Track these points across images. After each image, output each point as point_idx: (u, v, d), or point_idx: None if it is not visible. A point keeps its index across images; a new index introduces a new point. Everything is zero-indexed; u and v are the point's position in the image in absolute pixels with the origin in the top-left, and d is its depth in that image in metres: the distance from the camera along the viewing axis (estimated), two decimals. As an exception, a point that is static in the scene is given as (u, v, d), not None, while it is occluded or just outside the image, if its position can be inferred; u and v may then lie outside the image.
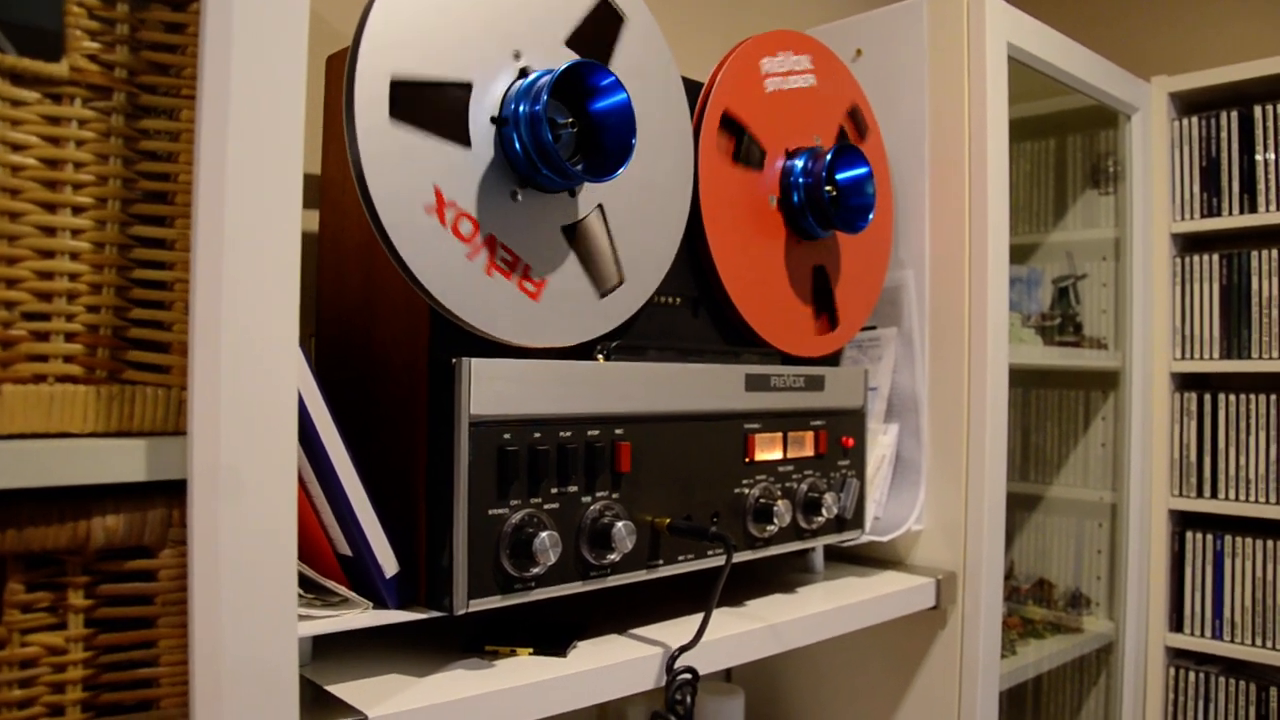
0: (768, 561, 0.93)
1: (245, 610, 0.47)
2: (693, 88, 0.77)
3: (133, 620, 0.49)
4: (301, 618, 0.58)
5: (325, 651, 0.64)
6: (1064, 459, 1.30)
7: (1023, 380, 1.35)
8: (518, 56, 0.64)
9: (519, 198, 0.64)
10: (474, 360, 0.60)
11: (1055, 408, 1.31)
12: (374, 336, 0.67)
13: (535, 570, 0.62)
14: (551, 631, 0.70)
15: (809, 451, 0.84)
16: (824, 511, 0.82)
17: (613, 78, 0.64)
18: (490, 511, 0.61)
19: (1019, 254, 1.33)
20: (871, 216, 0.84)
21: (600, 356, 0.69)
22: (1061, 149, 1.31)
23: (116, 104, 0.48)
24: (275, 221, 0.48)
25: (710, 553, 0.75)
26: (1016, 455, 1.34)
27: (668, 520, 0.71)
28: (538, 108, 0.61)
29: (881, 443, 0.96)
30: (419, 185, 0.59)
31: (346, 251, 0.70)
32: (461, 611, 0.60)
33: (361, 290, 0.68)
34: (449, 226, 0.60)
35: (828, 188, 0.84)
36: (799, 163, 0.82)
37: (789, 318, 0.84)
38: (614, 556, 0.66)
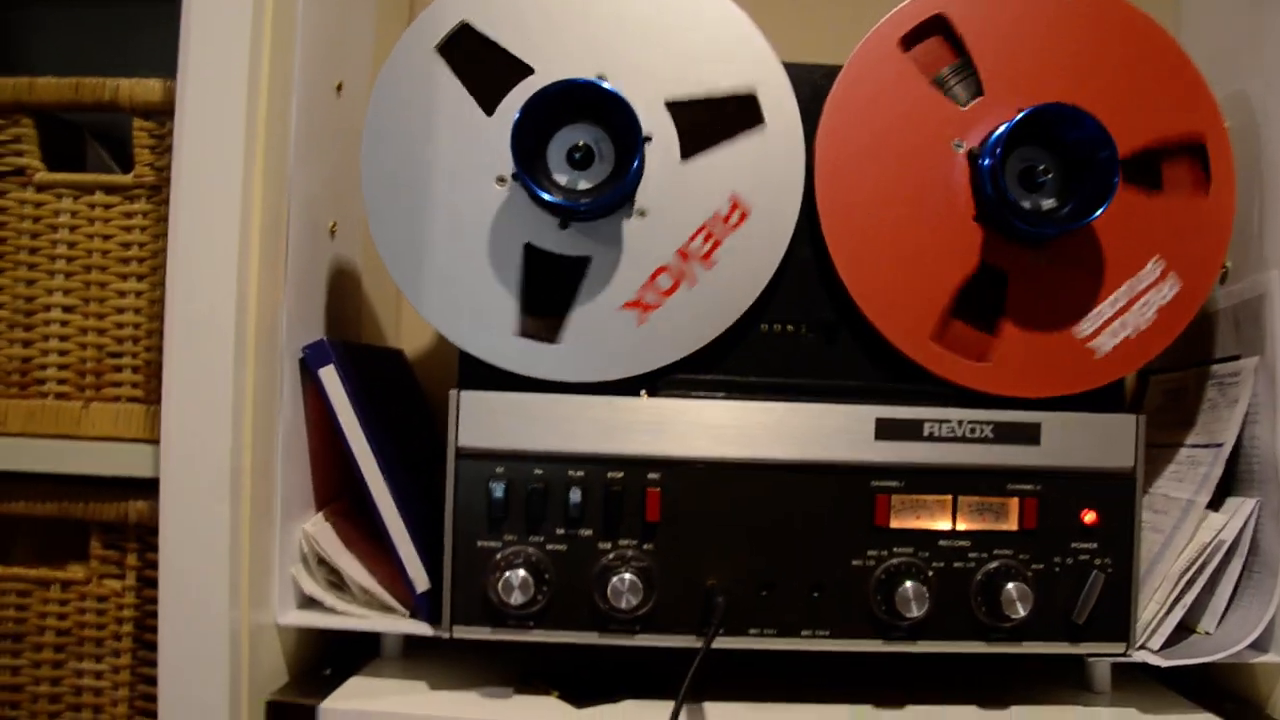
0: (1023, 662, 0.74)
1: (183, 595, 0.62)
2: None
3: (163, 583, 0.67)
4: (339, 613, 0.70)
5: (414, 652, 0.74)
6: None
7: None
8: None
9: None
10: (465, 392, 0.65)
11: None
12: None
13: (525, 608, 0.64)
14: (603, 682, 0.69)
15: (1008, 525, 0.66)
16: (1005, 607, 0.64)
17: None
18: (479, 543, 0.65)
19: None
20: (1097, 213, 0.62)
21: (644, 393, 0.67)
22: None
23: (165, 196, 0.67)
24: (208, 293, 0.62)
25: (804, 632, 0.65)
26: None
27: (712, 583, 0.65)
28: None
29: (1212, 524, 0.68)
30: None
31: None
32: (447, 635, 0.65)
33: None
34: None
35: (1044, 171, 0.66)
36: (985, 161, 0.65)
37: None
38: (630, 609, 0.64)
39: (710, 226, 0.66)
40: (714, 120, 0.66)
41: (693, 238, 0.66)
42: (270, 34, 0.65)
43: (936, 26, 0.67)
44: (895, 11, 0.67)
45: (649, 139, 0.65)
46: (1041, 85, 0.66)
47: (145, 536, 0.67)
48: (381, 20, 0.86)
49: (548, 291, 0.66)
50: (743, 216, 0.66)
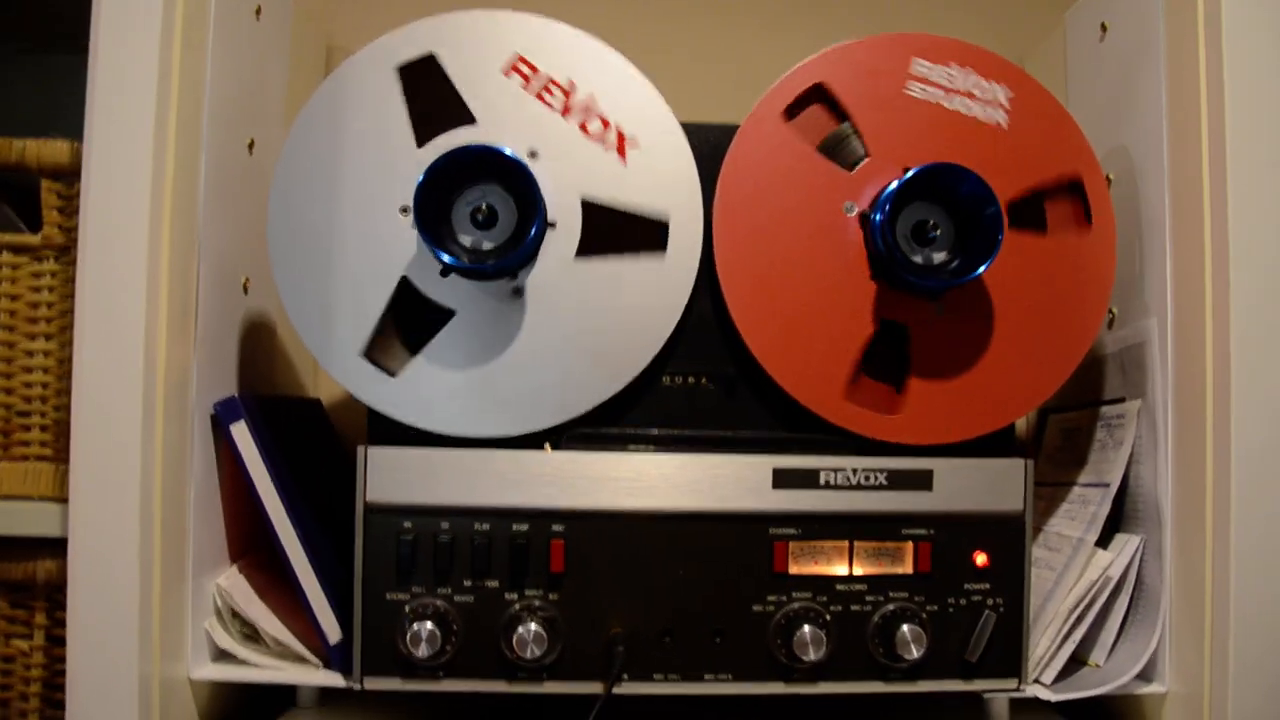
0: (926, 698, 0.76)
1: (93, 653, 0.63)
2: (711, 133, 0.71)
3: (74, 643, 0.68)
4: (252, 665, 0.71)
5: (330, 702, 0.76)
6: None
7: None
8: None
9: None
10: (372, 448, 0.67)
11: None
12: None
13: (434, 659, 0.66)
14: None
15: (903, 568, 0.69)
16: (901, 648, 0.67)
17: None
18: (388, 596, 0.67)
19: None
20: (983, 268, 0.65)
21: (548, 446, 0.69)
22: None
23: (74, 257, 0.68)
24: (115, 352, 0.63)
25: (708, 676, 0.68)
26: None
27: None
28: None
29: (1100, 562, 0.72)
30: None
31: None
32: (359, 687, 0.67)
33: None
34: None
35: (934, 227, 0.69)
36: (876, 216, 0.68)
37: (893, 397, 0.70)
38: (535, 659, 0.66)
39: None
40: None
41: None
42: (177, 94, 0.66)
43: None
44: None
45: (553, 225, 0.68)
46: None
47: (54, 595, 0.68)
48: (295, 79, 0.88)
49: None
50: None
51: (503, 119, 0.69)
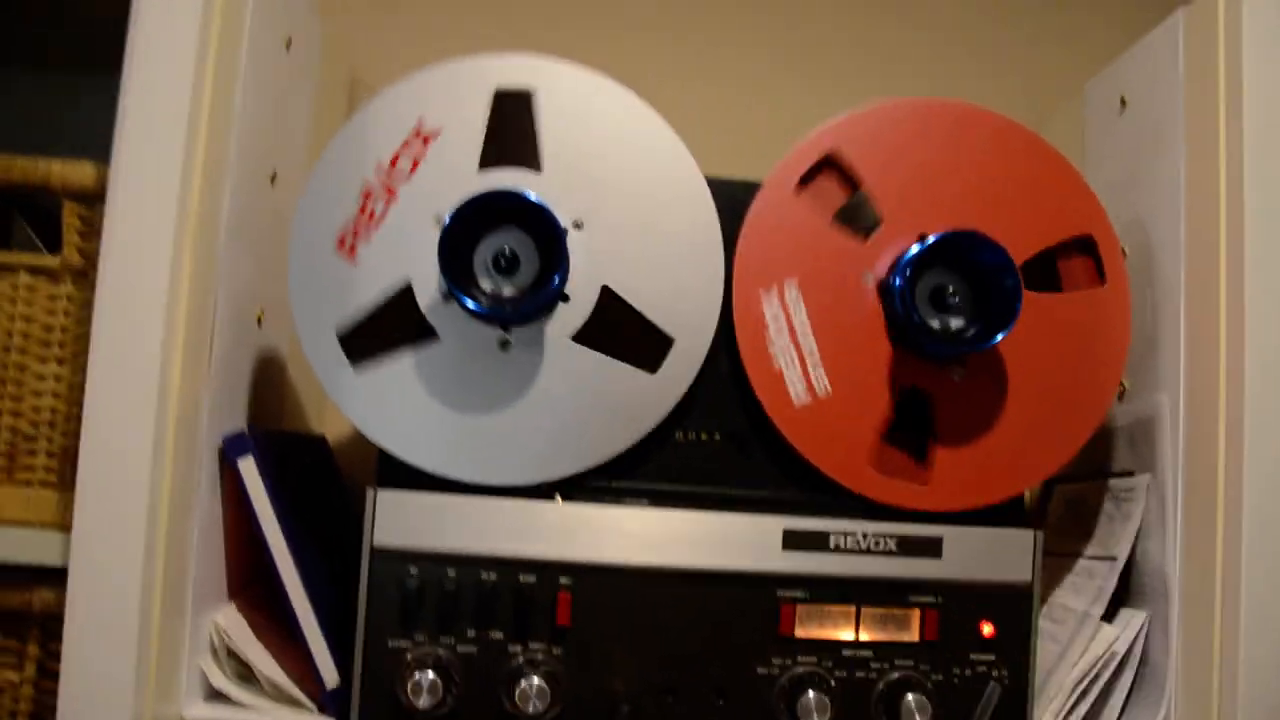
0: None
1: (86, 687, 0.62)
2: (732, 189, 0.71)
3: (66, 675, 0.67)
4: (245, 707, 0.70)
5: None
6: None
7: None
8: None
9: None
10: (381, 491, 0.67)
11: None
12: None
13: (434, 711, 0.65)
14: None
15: (909, 636, 0.69)
16: (905, 717, 0.66)
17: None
18: (390, 643, 0.66)
19: None
20: (1000, 336, 0.66)
21: (559, 498, 0.69)
22: None
23: (92, 281, 0.68)
24: (129, 381, 0.63)
25: (709, 737, 0.67)
26: None
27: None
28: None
29: (1105, 636, 0.72)
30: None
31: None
32: (356, 735, 0.66)
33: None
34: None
35: (953, 294, 0.69)
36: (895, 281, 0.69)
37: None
38: (537, 714, 0.65)
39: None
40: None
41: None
42: (207, 124, 0.67)
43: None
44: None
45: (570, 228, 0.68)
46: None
47: (49, 626, 0.67)
48: (319, 111, 0.89)
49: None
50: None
51: (391, 257, 0.68)
